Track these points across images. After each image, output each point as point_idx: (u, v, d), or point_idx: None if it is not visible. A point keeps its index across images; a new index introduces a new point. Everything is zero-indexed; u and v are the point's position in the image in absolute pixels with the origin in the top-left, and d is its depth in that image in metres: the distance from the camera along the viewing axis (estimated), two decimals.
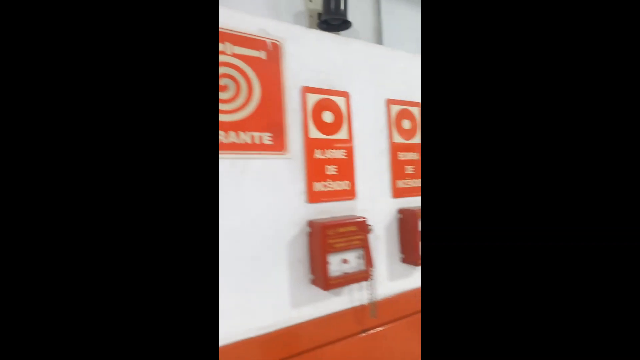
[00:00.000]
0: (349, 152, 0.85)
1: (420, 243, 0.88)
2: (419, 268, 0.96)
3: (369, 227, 0.81)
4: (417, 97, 1.00)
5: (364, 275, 0.78)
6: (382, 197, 0.91)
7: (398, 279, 0.93)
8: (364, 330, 0.85)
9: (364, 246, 0.79)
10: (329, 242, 0.73)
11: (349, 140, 0.85)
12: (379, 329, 0.87)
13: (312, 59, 0.82)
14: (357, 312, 0.84)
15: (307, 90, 0.80)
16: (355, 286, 0.84)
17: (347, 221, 0.77)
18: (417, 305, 0.95)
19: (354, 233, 0.77)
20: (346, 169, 0.84)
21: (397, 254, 0.93)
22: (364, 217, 0.80)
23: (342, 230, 0.75)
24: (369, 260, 0.79)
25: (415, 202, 0.97)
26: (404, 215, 0.92)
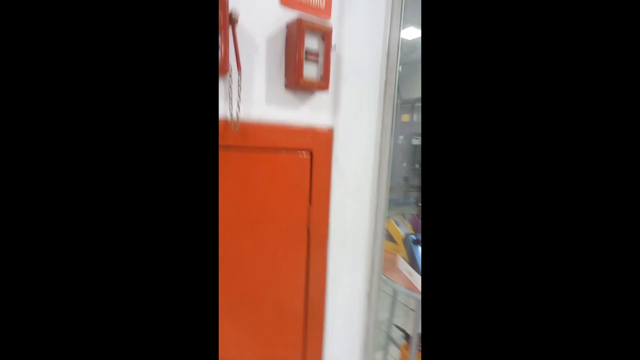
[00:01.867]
0: None
1: (303, 63, 0.76)
2: (303, 96, 0.85)
3: (232, 13, 0.67)
4: None
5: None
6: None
7: (277, 105, 0.81)
8: (226, 146, 0.74)
9: (223, 28, 0.65)
10: None
11: None
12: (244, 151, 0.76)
13: None
14: (219, 125, 0.72)
15: None
16: (220, 97, 0.72)
17: None
18: (296, 142, 0.85)
19: None
20: None
21: (281, 77, 0.81)
22: None
23: None
24: (227, 47, 0.66)
25: (315, 17, 0.83)
26: (289, 30, 0.78)
